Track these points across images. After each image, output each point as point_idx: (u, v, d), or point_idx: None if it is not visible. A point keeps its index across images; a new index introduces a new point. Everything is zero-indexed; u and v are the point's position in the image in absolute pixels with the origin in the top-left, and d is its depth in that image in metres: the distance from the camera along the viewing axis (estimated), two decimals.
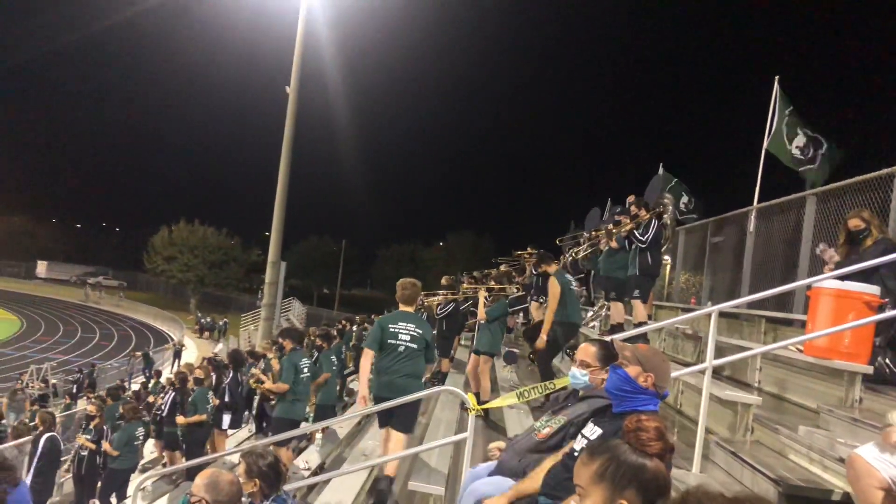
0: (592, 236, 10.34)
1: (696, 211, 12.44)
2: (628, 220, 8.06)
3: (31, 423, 10.66)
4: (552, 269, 7.72)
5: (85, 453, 10.06)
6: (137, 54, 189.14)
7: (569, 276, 7.66)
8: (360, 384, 5.75)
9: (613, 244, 8.23)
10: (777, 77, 8.74)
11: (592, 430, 2.87)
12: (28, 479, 8.48)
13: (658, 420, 2.16)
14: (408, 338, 5.57)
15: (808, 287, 5.10)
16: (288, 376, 7.72)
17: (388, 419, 5.58)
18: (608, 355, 3.28)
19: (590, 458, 2.06)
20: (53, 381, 23.37)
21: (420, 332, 5.63)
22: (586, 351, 3.36)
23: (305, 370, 7.92)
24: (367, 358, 5.64)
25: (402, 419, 5.50)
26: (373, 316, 15.52)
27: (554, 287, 7.30)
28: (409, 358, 5.57)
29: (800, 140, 8.60)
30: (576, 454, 2.87)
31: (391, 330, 5.58)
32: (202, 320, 45.86)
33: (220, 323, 44.14)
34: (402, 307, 5.81)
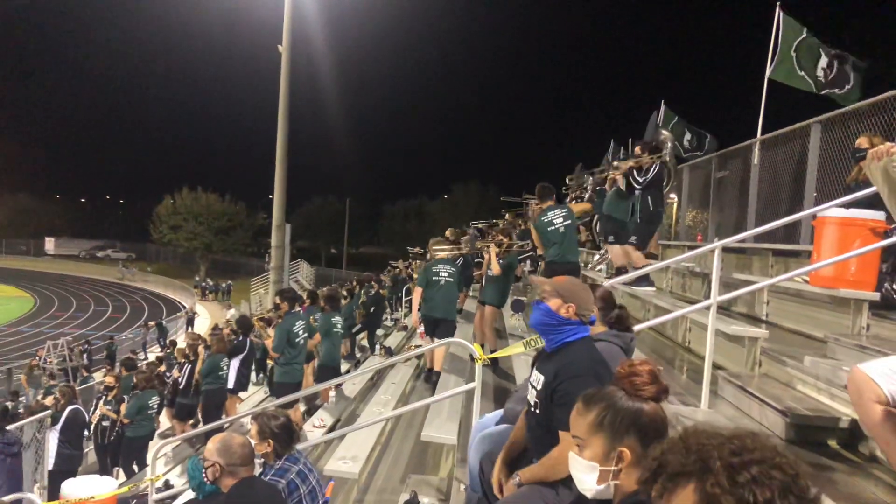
0: (597, 179, 10.21)
1: (700, 148, 12.29)
2: (630, 161, 7.94)
3: (54, 397, 10.82)
4: (543, 206, 7.45)
5: (107, 423, 10.22)
6: (131, 22, 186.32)
7: (551, 216, 7.18)
8: (413, 311, 8.43)
9: (620, 181, 8.05)
10: (779, 3, 8.50)
11: (537, 379, 2.86)
12: (54, 450, 8.67)
13: (650, 363, 2.13)
14: (446, 274, 7.71)
15: (814, 217, 5.04)
16: (279, 345, 7.83)
17: (433, 331, 7.72)
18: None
19: (585, 408, 2.04)
20: (72, 355, 23.64)
21: (453, 270, 7.85)
22: None
23: (301, 332, 7.97)
24: (417, 293, 7.78)
25: (442, 332, 7.56)
26: (380, 274, 15.55)
27: (532, 233, 7.44)
28: (448, 289, 7.72)
29: (823, 61, 8.34)
30: (532, 408, 2.88)
31: (433, 271, 7.73)
32: (202, 284, 46.43)
33: (224, 285, 44.88)
34: (438, 255, 8.12)
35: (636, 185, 7.70)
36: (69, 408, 8.99)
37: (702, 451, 1.28)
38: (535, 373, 2.90)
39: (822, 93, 8.26)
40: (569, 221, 7.13)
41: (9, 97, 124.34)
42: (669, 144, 8.32)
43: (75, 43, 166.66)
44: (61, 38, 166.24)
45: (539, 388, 2.82)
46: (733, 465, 1.23)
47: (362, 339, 13.47)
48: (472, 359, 4.93)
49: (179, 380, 10.63)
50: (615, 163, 8.35)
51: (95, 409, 10.87)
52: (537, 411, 2.83)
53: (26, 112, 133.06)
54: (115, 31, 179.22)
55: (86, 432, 9.81)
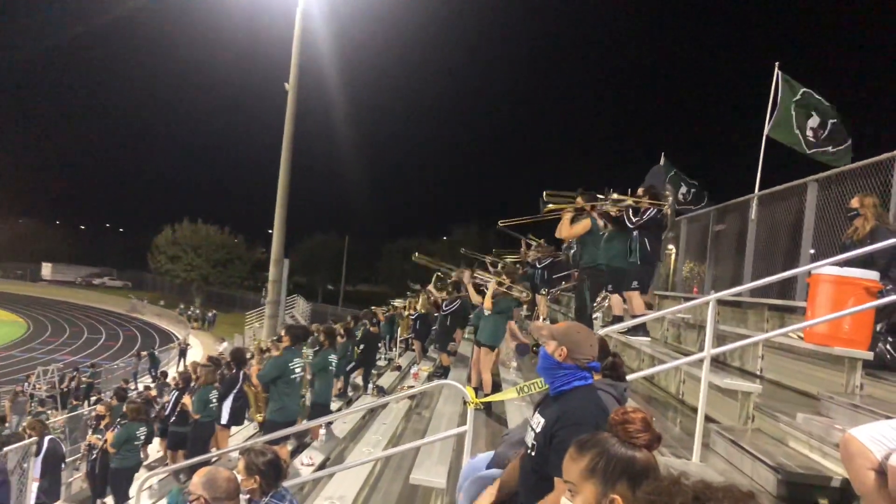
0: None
1: (695, 201, 12.41)
2: (630, 200, 7.94)
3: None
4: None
5: (97, 453, 10.08)
6: (136, 54, 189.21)
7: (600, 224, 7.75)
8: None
9: (613, 209, 8.06)
10: (777, 63, 8.69)
11: (538, 422, 2.85)
12: (36, 482, 8.50)
13: (643, 411, 2.14)
14: None
15: (809, 274, 5.07)
16: (265, 375, 7.70)
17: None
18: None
19: (578, 454, 2.04)
20: (62, 383, 23.36)
21: None
22: None
23: (297, 370, 7.86)
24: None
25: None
26: (374, 309, 15.53)
27: (584, 222, 7.62)
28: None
29: (813, 121, 8.49)
30: (529, 451, 2.86)
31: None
32: (187, 312, 46.80)
33: (210, 314, 46.11)
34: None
35: (629, 224, 7.73)
36: (47, 438, 8.79)
37: (669, 493, 1.29)
38: (537, 415, 2.89)
39: (810, 152, 8.40)
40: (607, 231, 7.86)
41: (13, 123, 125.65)
42: (671, 198, 8.36)
43: (81, 74, 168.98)
44: (67, 69, 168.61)
45: (538, 430, 2.80)
46: None
47: (356, 376, 13.38)
48: (465, 402, 4.91)
49: (166, 406, 10.53)
50: (614, 195, 8.27)
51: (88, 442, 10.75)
52: (533, 454, 2.81)
53: (30, 138, 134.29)
54: (121, 64, 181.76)
55: (63, 465, 9.61)
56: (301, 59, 21.21)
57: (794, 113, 8.60)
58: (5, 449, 8.11)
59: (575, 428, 2.59)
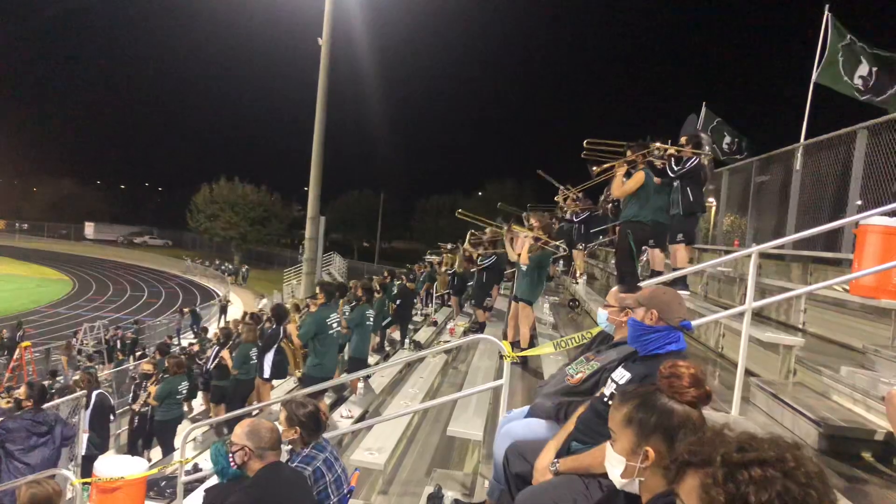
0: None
1: (739, 152, 12.10)
2: (672, 149, 7.73)
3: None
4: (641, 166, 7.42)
5: (145, 409, 10.37)
6: (172, 12, 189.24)
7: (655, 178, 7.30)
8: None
9: (658, 162, 7.85)
10: (827, 6, 8.31)
11: (622, 375, 2.84)
12: (85, 434, 8.81)
13: (695, 366, 2.09)
14: None
15: (856, 225, 4.92)
16: (306, 333, 7.78)
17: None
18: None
19: (621, 403, 2.05)
20: (107, 338, 24.07)
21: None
22: (611, 292, 3.35)
23: (334, 325, 7.95)
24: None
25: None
26: (410, 265, 15.57)
27: (637, 176, 7.12)
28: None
29: (863, 69, 8.14)
30: (605, 399, 2.85)
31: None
32: (222, 266, 48.29)
33: (243, 269, 47.89)
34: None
35: (671, 174, 7.56)
36: (95, 392, 9.05)
37: (712, 444, 1.28)
38: (621, 369, 2.90)
39: (863, 99, 8.06)
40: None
41: (55, 86, 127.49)
42: (707, 148, 8.12)
43: (121, 35, 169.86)
44: (107, 29, 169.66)
45: (621, 382, 2.81)
46: (734, 461, 1.22)
47: (392, 332, 13.51)
48: (501, 356, 4.92)
49: (207, 362, 10.77)
50: (657, 144, 8.02)
51: (134, 397, 11.03)
52: (610, 402, 2.82)
53: (72, 100, 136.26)
54: (160, 23, 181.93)
55: (111, 417, 9.92)
56: (334, 14, 20.98)
57: (841, 58, 8.25)
58: (57, 401, 8.40)
59: None
